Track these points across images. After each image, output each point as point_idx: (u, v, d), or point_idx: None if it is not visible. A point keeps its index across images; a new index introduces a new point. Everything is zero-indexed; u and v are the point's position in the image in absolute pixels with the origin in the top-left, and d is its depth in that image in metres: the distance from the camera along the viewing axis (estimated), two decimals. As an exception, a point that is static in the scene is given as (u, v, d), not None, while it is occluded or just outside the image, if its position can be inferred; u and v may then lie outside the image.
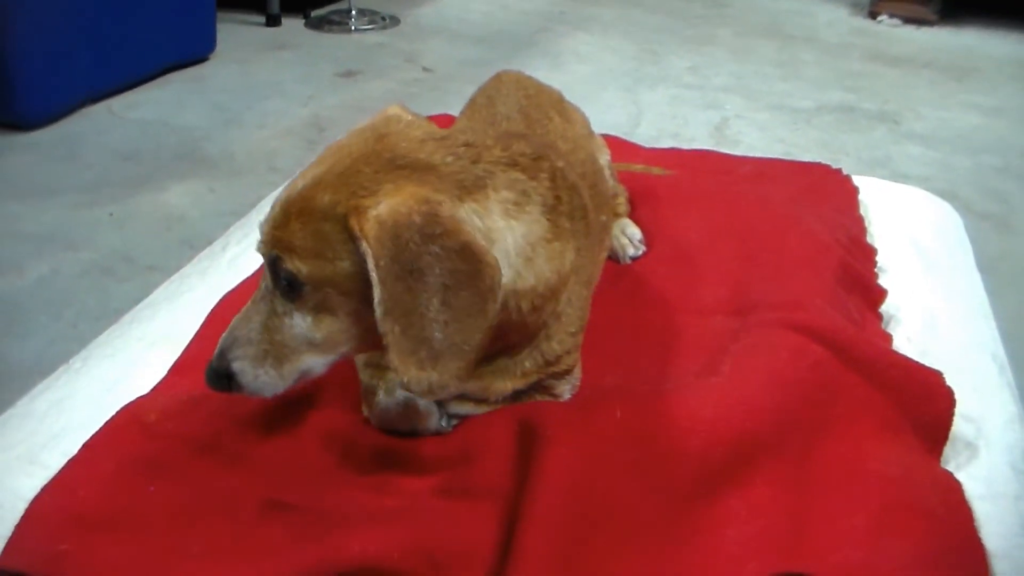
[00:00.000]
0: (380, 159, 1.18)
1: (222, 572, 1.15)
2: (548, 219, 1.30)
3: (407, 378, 1.12)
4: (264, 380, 1.22)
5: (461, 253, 1.11)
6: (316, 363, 1.23)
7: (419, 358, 1.12)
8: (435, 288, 1.10)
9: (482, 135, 1.43)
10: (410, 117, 1.34)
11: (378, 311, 1.10)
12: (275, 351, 1.21)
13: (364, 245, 1.10)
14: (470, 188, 1.21)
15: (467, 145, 1.26)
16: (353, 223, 1.11)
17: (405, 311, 1.10)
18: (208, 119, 4.33)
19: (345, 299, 1.17)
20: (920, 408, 1.44)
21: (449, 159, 1.22)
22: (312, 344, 1.21)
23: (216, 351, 1.22)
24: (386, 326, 1.10)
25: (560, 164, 1.39)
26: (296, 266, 1.15)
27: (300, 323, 1.19)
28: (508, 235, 1.23)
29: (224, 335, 1.23)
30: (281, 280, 1.17)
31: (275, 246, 1.17)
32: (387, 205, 1.11)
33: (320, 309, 1.18)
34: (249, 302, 1.23)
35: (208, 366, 1.23)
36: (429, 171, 1.19)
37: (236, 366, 1.21)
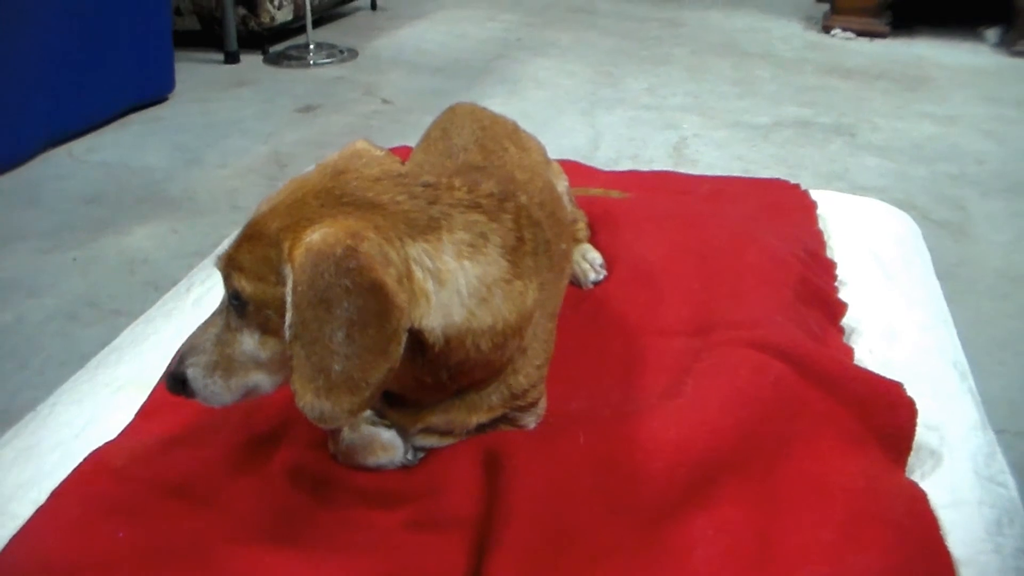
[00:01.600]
0: (330, 195, 1.20)
1: (193, 615, 1.15)
2: (508, 260, 1.30)
3: (302, 403, 1.13)
4: (212, 390, 1.26)
5: (371, 291, 1.12)
6: (263, 381, 1.26)
7: (316, 386, 1.12)
8: (342, 321, 1.11)
9: (443, 172, 1.45)
10: (377, 152, 1.36)
11: (287, 334, 1.12)
12: (224, 363, 1.25)
13: (287, 268, 1.13)
14: (422, 228, 1.22)
15: (426, 186, 1.27)
16: (286, 247, 1.14)
17: (311, 339, 1.11)
18: (169, 159, 4.33)
19: (281, 321, 1.17)
20: (882, 419, 1.45)
21: (400, 198, 1.23)
22: (258, 363, 1.24)
23: (176, 356, 1.28)
24: (294, 349, 1.12)
25: (524, 201, 1.40)
26: (241, 285, 1.19)
27: (248, 341, 1.23)
28: (460, 276, 1.23)
29: (184, 342, 1.29)
30: (231, 297, 1.22)
31: (227, 264, 1.22)
32: (319, 234, 1.13)
33: (265, 330, 1.21)
34: (212, 313, 1.28)
35: (166, 369, 1.29)
36: (375, 210, 1.19)
37: (189, 372, 1.25)
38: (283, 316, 1.15)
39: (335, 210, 1.18)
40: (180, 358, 1.27)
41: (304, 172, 2.10)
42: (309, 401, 1.13)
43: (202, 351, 1.25)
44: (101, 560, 1.23)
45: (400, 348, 1.15)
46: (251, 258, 1.19)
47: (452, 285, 1.22)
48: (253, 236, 1.20)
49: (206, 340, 1.26)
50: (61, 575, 1.21)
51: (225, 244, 1.25)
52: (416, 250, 1.19)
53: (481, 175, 1.50)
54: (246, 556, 1.23)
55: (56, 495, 1.35)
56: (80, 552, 1.25)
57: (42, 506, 1.33)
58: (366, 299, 1.11)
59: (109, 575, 1.21)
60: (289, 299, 1.12)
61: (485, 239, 1.28)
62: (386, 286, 1.13)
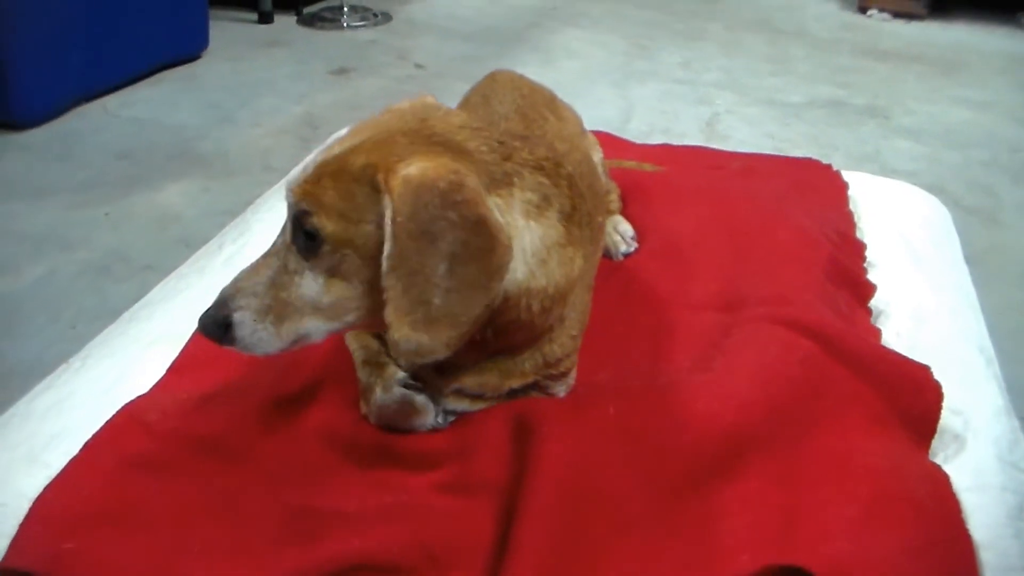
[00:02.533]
0: (418, 135, 1.20)
1: (224, 569, 1.17)
2: (564, 225, 1.31)
3: (398, 336, 1.13)
4: (261, 335, 1.21)
5: (477, 226, 1.13)
6: (317, 328, 1.23)
7: (414, 319, 1.13)
8: (445, 254, 1.12)
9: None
10: (446, 108, 1.36)
11: (385, 265, 1.12)
12: (278, 308, 1.20)
13: (387, 199, 1.12)
14: (498, 182, 1.23)
15: (501, 142, 1.28)
16: (381, 178, 1.13)
17: (411, 270, 1.12)
18: (202, 118, 4.34)
19: (361, 265, 1.18)
20: (908, 402, 1.46)
21: (484, 148, 1.24)
22: (318, 308, 1.21)
23: (216, 299, 1.22)
24: (389, 281, 1.12)
25: (571, 171, 1.41)
26: (322, 222, 1.16)
27: (311, 283, 1.20)
28: (527, 235, 1.25)
29: (227, 285, 1.23)
30: (302, 236, 1.18)
31: (304, 199, 1.17)
32: (417, 166, 1.13)
33: (334, 272, 1.19)
34: (260, 256, 1.23)
35: (204, 313, 1.22)
36: (464, 154, 1.21)
37: (237, 316, 1.20)
38: (362, 257, 1.16)
39: (427, 148, 1.18)
40: (223, 301, 1.21)
41: (340, 132, 2.12)
42: (406, 334, 1.13)
43: (252, 294, 1.20)
44: (134, 512, 1.25)
45: (501, 285, 1.17)
46: (334, 194, 1.16)
47: (519, 243, 1.23)
48: (335, 172, 1.17)
49: (257, 283, 1.21)
50: (95, 525, 1.23)
51: (297, 174, 1.21)
52: (492, 202, 1.20)
53: (525, 143, 1.51)
54: (277, 514, 1.25)
55: (89, 447, 1.37)
56: (112, 503, 1.26)
57: (75, 457, 1.35)
58: (471, 234, 1.13)
59: (141, 527, 1.23)
60: (389, 229, 1.11)
61: (548, 202, 1.30)
62: (493, 221, 1.15)
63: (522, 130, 1.63)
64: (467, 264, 1.13)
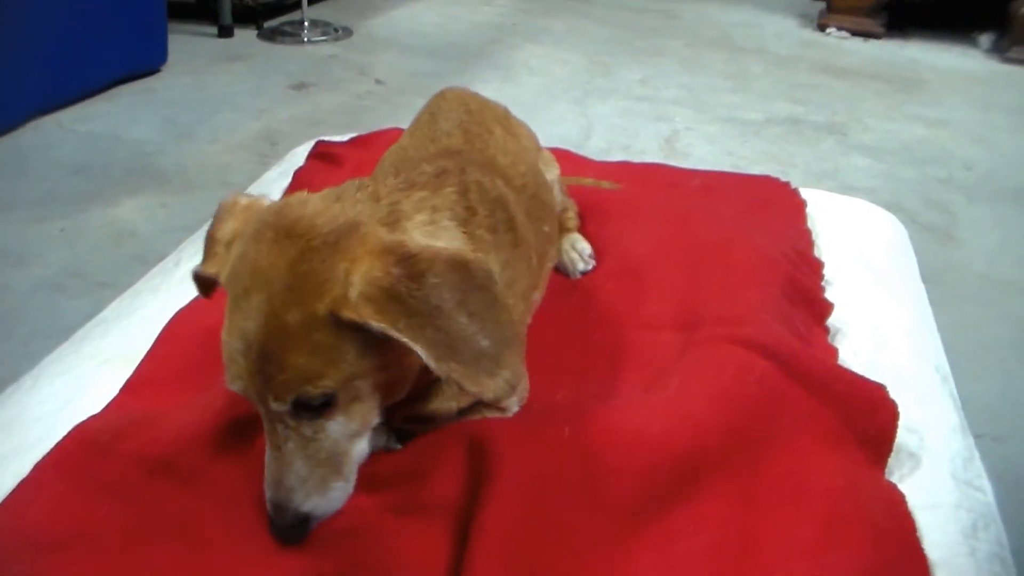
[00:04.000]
0: (313, 250, 1.13)
1: (177, 593, 1.15)
2: (463, 231, 1.31)
3: (491, 395, 1.13)
4: (337, 495, 1.21)
5: (451, 267, 1.12)
6: (362, 445, 1.24)
7: (487, 370, 1.12)
8: (455, 310, 1.11)
9: (424, 155, 1.50)
10: (267, 201, 1.31)
11: (431, 364, 1.09)
12: (331, 467, 1.19)
13: (375, 325, 1.08)
14: (392, 224, 1.21)
15: (358, 189, 1.26)
16: (347, 315, 1.09)
17: (449, 346, 1.10)
18: (160, 132, 4.32)
19: (370, 377, 1.16)
20: (864, 421, 1.46)
21: (359, 208, 1.20)
22: (353, 435, 1.21)
23: (272, 508, 1.19)
24: (444, 369, 1.09)
25: (476, 177, 1.41)
26: (324, 385, 1.12)
27: (336, 428, 1.18)
28: None
29: (270, 493, 1.19)
30: (309, 410, 1.15)
31: (291, 388, 1.12)
32: (360, 279, 1.10)
33: (349, 405, 1.17)
34: (271, 450, 1.18)
35: (274, 527, 1.19)
36: (360, 227, 1.16)
37: (308, 507, 1.18)
38: (368, 374, 1.15)
39: (336, 256, 1.12)
40: (280, 508, 1.17)
41: (298, 149, 2.09)
42: (492, 387, 1.13)
43: (303, 481, 1.17)
44: (84, 535, 1.23)
45: (501, 287, 1.18)
46: (308, 359, 1.11)
47: None
48: (287, 343, 1.10)
49: (298, 471, 1.17)
50: (43, 549, 1.21)
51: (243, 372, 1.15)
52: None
53: (456, 159, 1.51)
54: (229, 535, 1.23)
55: (39, 468, 1.34)
56: (63, 526, 1.24)
57: (24, 479, 1.33)
58: (453, 277, 1.12)
59: (92, 550, 1.21)
60: (405, 340, 1.08)
61: (436, 211, 1.29)
62: (454, 253, 1.15)
63: (461, 145, 1.63)
64: (472, 298, 1.13)
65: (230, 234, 1.25)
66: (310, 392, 1.12)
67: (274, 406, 1.13)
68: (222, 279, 1.21)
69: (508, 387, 1.14)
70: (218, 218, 1.29)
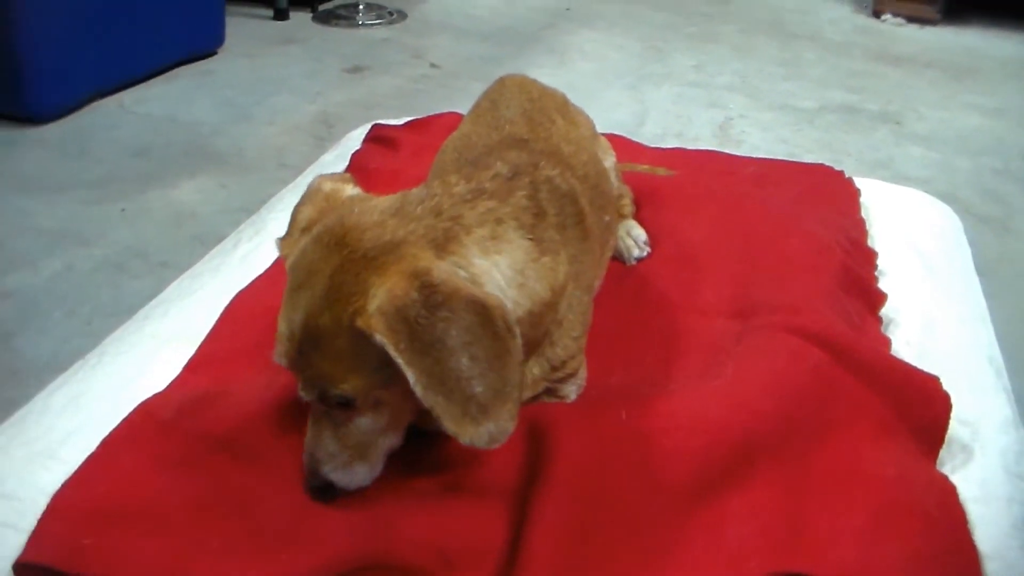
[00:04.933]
0: (353, 262, 1.17)
1: (240, 567, 1.19)
2: (530, 238, 1.32)
3: (468, 439, 1.14)
4: (360, 476, 1.28)
5: (468, 308, 1.14)
6: (394, 438, 1.29)
7: (472, 416, 1.13)
8: (459, 348, 1.12)
9: (488, 143, 1.52)
10: (349, 189, 1.36)
11: (417, 390, 1.11)
12: (357, 452, 1.26)
13: (379, 338, 1.11)
14: (443, 244, 1.22)
15: (422, 201, 1.28)
16: (360, 325, 1.13)
17: (441, 381, 1.12)
18: (217, 114, 4.36)
19: (392, 387, 1.18)
20: (917, 412, 1.47)
21: (412, 226, 1.22)
22: (382, 431, 1.26)
23: (306, 472, 1.28)
24: (430, 400, 1.12)
25: (548, 173, 1.43)
26: (343, 388, 1.18)
27: (364, 423, 1.24)
28: (495, 271, 1.26)
29: (305, 458, 1.28)
30: (335, 405, 1.22)
31: (316, 383, 1.21)
32: (382, 294, 1.13)
33: (379, 404, 1.22)
34: (311, 423, 1.27)
35: (306, 484, 1.28)
36: (402, 247, 1.19)
37: (333, 477, 1.26)
38: (388, 384, 1.18)
39: (370, 271, 1.16)
40: (313, 472, 1.27)
41: (354, 132, 2.11)
42: (471, 433, 1.14)
43: (331, 456, 1.25)
44: (150, 509, 1.26)
45: (518, 341, 1.17)
46: (331, 362, 1.18)
47: (492, 282, 1.24)
48: (316, 343, 1.18)
49: (328, 446, 1.25)
50: (112, 521, 1.24)
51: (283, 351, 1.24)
52: (448, 266, 1.20)
53: (522, 148, 1.53)
54: (290, 513, 1.26)
55: (106, 443, 1.38)
56: (129, 500, 1.28)
57: (92, 453, 1.36)
58: (468, 318, 1.13)
59: (157, 524, 1.24)
60: (400, 361, 1.11)
61: (502, 224, 1.30)
62: (476, 295, 1.16)
63: (525, 134, 1.64)
64: (481, 343, 1.14)
65: (306, 221, 1.32)
66: (330, 392, 1.20)
67: (302, 394, 1.24)
68: (287, 264, 1.27)
69: (488, 439, 1.14)
70: (303, 200, 1.38)
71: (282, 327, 1.22)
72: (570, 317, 1.42)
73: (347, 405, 1.21)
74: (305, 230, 1.30)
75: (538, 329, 1.35)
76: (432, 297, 1.13)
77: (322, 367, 1.18)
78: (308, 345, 1.18)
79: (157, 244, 3.20)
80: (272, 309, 1.27)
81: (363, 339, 1.13)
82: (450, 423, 1.13)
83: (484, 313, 1.14)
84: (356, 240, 1.19)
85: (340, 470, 1.26)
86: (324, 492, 1.27)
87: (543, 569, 1.17)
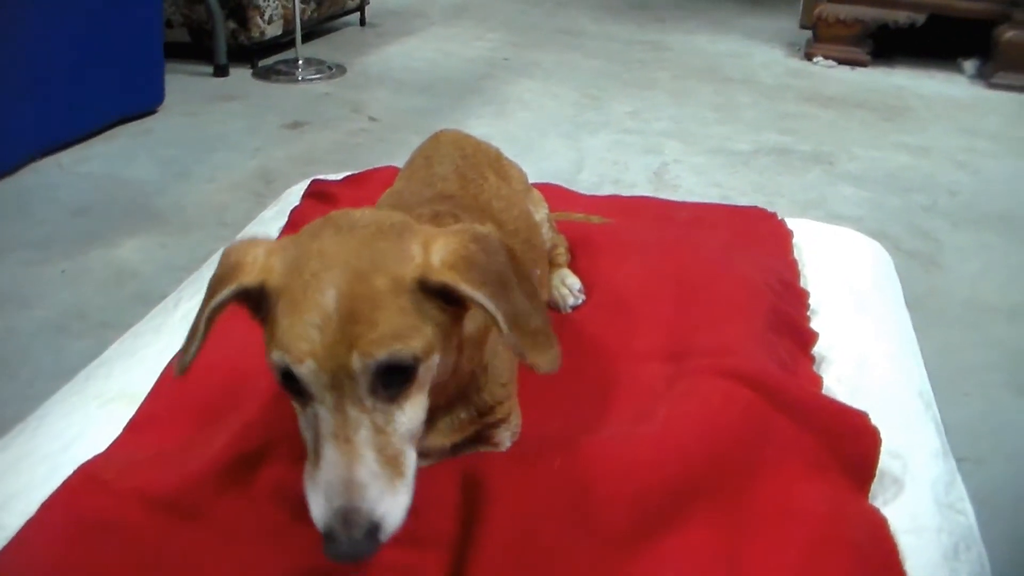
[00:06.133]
0: (383, 233, 1.17)
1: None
2: None
3: (547, 365, 1.18)
4: (403, 501, 1.11)
5: (508, 254, 1.21)
6: (415, 457, 1.16)
7: (540, 345, 1.18)
8: (514, 288, 1.18)
9: (420, 200, 1.50)
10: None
11: (505, 329, 1.13)
12: (395, 468, 1.10)
13: (464, 288, 1.13)
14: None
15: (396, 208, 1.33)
16: (440, 279, 1.12)
17: (514, 318, 1.15)
18: (158, 173, 4.34)
19: (434, 360, 1.17)
20: (847, 447, 1.49)
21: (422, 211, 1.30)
22: (412, 435, 1.15)
23: (339, 518, 1.05)
24: (513, 337, 1.14)
25: (470, 224, 1.45)
26: (412, 347, 1.11)
27: (403, 420, 1.13)
28: None
29: (337, 500, 1.06)
30: (389, 382, 1.11)
31: (387, 344, 1.09)
32: (440, 249, 1.15)
33: (421, 388, 1.16)
34: (333, 450, 1.08)
35: (336, 546, 1.05)
36: (412, 224, 1.23)
37: (381, 510, 1.07)
38: (439, 349, 1.16)
39: (406, 237, 1.17)
40: (350, 509, 1.05)
41: (293, 188, 2.12)
42: (549, 359, 1.19)
43: (374, 477, 1.07)
44: (91, 572, 1.27)
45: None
46: (399, 318, 1.10)
47: None
48: (376, 305, 1.09)
49: (370, 463, 1.08)
50: (51, 585, 1.24)
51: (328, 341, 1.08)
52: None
53: (450, 203, 1.57)
54: (232, 571, 1.26)
55: (45, 507, 1.37)
56: (70, 563, 1.28)
57: (31, 518, 1.36)
58: (510, 261, 1.20)
59: (99, 586, 1.24)
60: (489, 304, 1.13)
61: None
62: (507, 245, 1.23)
63: (456, 191, 1.68)
64: (525, 283, 1.22)
65: (262, 254, 1.19)
66: (401, 352, 1.09)
67: (360, 366, 1.07)
68: (271, 283, 1.15)
69: (557, 362, 1.19)
70: (228, 254, 1.24)
71: (306, 320, 1.08)
72: (496, 363, 1.43)
73: (404, 374, 1.12)
74: (260, 259, 1.18)
75: (468, 362, 1.34)
76: (486, 244, 1.18)
77: (389, 323, 1.09)
78: (363, 309, 1.08)
79: (98, 304, 3.18)
80: (213, 367, 1.27)
81: (421, 299, 1.13)
82: (533, 353, 1.16)
83: (515, 257, 1.23)
84: (370, 222, 1.19)
85: (388, 494, 1.07)
86: (367, 543, 1.05)
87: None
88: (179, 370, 1.21)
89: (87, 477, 1.43)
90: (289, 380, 1.11)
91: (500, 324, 1.14)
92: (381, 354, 1.08)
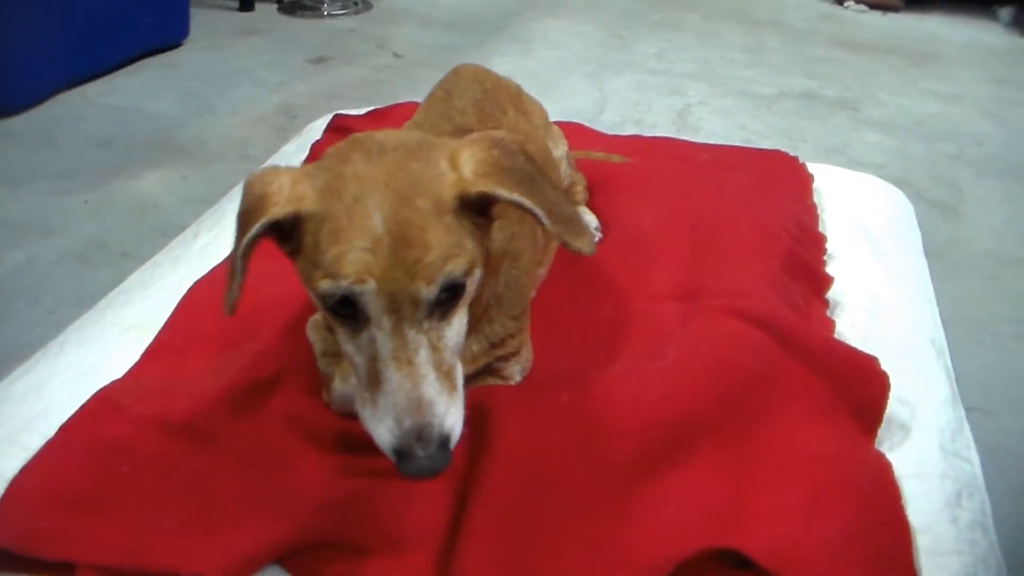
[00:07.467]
0: (411, 154, 1.18)
1: (193, 547, 1.22)
2: None
3: (588, 249, 1.21)
4: (461, 413, 1.13)
5: (526, 153, 1.23)
6: (461, 369, 1.19)
7: (577, 231, 1.21)
8: (541, 182, 1.20)
9: (440, 134, 1.51)
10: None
11: (546, 222, 1.16)
12: (450, 382, 1.14)
13: (503, 193, 1.15)
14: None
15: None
16: (479, 189, 1.15)
17: (551, 210, 1.17)
18: (181, 106, 4.34)
19: (477, 274, 1.20)
20: (856, 392, 1.50)
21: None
22: (459, 348, 1.20)
23: (414, 435, 1.07)
24: (555, 229, 1.17)
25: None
26: (463, 264, 1.13)
27: (450, 334, 1.16)
28: None
29: (409, 419, 1.08)
30: (442, 300, 1.13)
31: (441, 267, 1.11)
32: (469, 161, 1.18)
33: (463, 304, 1.19)
34: (395, 373, 1.10)
35: (414, 462, 1.07)
36: (434, 140, 1.24)
37: (450, 422, 1.10)
38: (481, 264, 1.20)
39: (434, 154, 1.19)
40: (424, 425, 1.07)
41: (316, 123, 2.12)
42: (587, 242, 1.22)
43: (440, 392, 1.10)
44: (106, 492, 1.30)
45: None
46: (447, 237, 1.12)
47: None
48: (422, 226, 1.11)
49: (434, 381, 1.10)
50: (69, 505, 1.27)
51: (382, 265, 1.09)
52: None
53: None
54: (244, 494, 1.29)
55: (64, 429, 1.41)
56: (86, 484, 1.31)
57: (50, 440, 1.39)
58: (531, 160, 1.23)
59: (113, 507, 1.27)
60: (528, 204, 1.15)
61: None
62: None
63: (475, 125, 1.68)
64: (547, 177, 1.25)
65: (288, 183, 1.18)
66: (454, 271, 1.12)
67: (425, 292, 1.10)
68: (304, 210, 1.15)
69: (593, 244, 1.22)
70: (252, 185, 1.22)
71: (357, 244, 1.09)
72: (508, 295, 1.45)
73: (455, 296, 1.15)
74: (286, 189, 1.17)
75: (481, 288, 1.33)
76: (506, 147, 1.20)
77: (441, 244, 1.11)
78: (414, 233, 1.10)
79: (119, 235, 3.19)
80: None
81: (460, 215, 1.15)
82: (574, 239, 1.19)
83: (531, 155, 1.25)
84: (397, 143, 1.20)
85: (453, 407, 1.11)
86: (444, 454, 1.07)
87: (485, 548, 1.20)
88: (228, 310, 1.22)
89: (105, 402, 1.46)
90: (341, 306, 1.13)
91: (541, 218, 1.16)
92: (440, 277, 1.11)
